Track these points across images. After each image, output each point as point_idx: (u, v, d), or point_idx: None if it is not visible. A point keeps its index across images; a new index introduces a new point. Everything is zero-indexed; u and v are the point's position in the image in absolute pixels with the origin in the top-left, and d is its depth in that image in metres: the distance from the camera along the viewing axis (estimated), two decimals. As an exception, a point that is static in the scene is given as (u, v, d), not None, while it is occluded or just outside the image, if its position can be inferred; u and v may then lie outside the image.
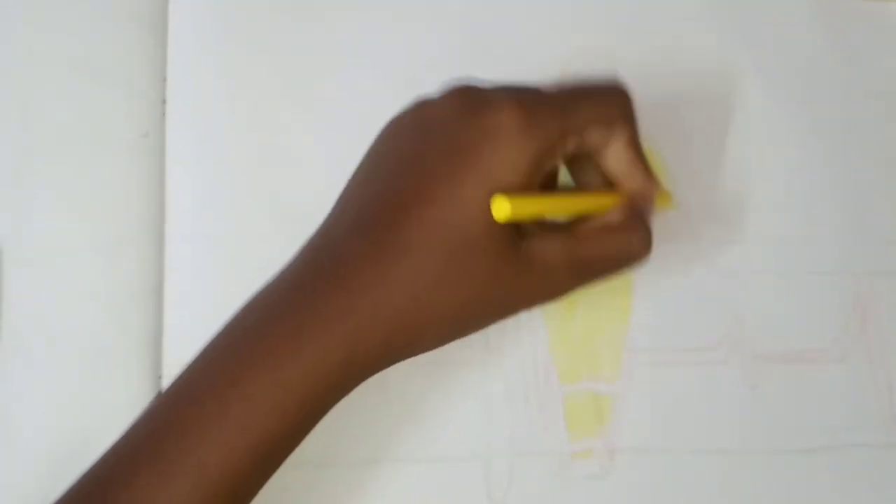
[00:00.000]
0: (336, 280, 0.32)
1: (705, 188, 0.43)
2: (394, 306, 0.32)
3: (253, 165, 0.39)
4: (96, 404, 0.36)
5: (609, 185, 0.37)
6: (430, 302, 0.32)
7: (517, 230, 0.33)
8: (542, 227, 0.34)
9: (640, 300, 0.42)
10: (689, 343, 0.42)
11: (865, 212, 0.44)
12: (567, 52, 0.42)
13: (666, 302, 0.42)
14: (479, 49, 0.42)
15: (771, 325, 0.43)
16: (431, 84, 0.41)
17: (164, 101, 0.39)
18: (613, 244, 0.35)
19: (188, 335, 0.38)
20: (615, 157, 0.35)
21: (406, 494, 0.39)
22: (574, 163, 0.38)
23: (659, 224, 0.42)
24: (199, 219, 0.38)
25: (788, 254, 0.43)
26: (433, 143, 0.33)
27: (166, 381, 0.37)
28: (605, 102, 0.35)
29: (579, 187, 0.38)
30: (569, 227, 0.35)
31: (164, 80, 0.39)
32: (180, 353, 0.37)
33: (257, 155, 0.39)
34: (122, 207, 0.38)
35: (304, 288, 0.32)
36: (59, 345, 0.36)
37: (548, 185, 0.37)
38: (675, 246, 0.42)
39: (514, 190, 0.32)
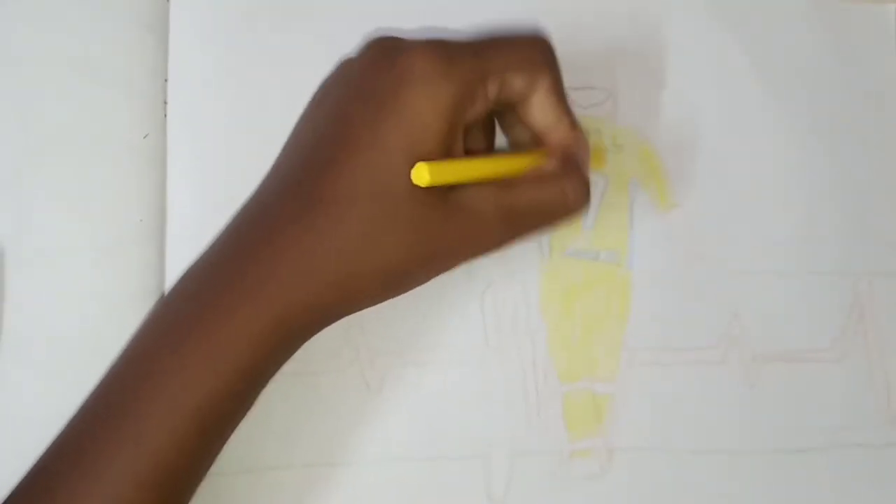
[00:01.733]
0: (262, 240, 0.32)
1: (704, 188, 0.43)
2: (321, 260, 0.31)
3: (253, 166, 0.39)
4: (97, 404, 0.36)
5: (537, 143, 0.36)
6: (358, 253, 0.31)
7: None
8: None
9: (639, 300, 0.42)
10: (688, 342, 0.42)
11: (864, 212, 0.44)
12: (566, 52, 0.42)
13: (664, 301, 0.42)
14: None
15: (769, 324, 0.43)
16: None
17: (165, 102, 0.39)
18: (547, 193, 0.34)
19: (189, 335, 0.38)
20: (539, 107, 0.35)
21: (406, 493, 0.39)
22: (503, 118, 0.37)
23: (658, 223, 0.42)
24: (199, 219, 0.38)
25: (787, 254, 0.43)
26: (352, 94, 0.33)
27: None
28: (526, 48, 0.34)
29: (510, 147, 0.38)
30: (502, 180, 0.34)
31: (166, 80, 0.39)
32: (181, 353, 0.38)
33: (258, 156, 0.39)
34: (123, 208, 0.38)
35: (233, 251, 0.33)
36: (60, 345, 0.37)
37: (481, 141, 0.37)
38: (674, 245, 0.43)
39: (436, 134, 0.31)
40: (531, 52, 0.34)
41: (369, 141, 0.31)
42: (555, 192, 0.34)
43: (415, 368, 0.40)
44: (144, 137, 0.38)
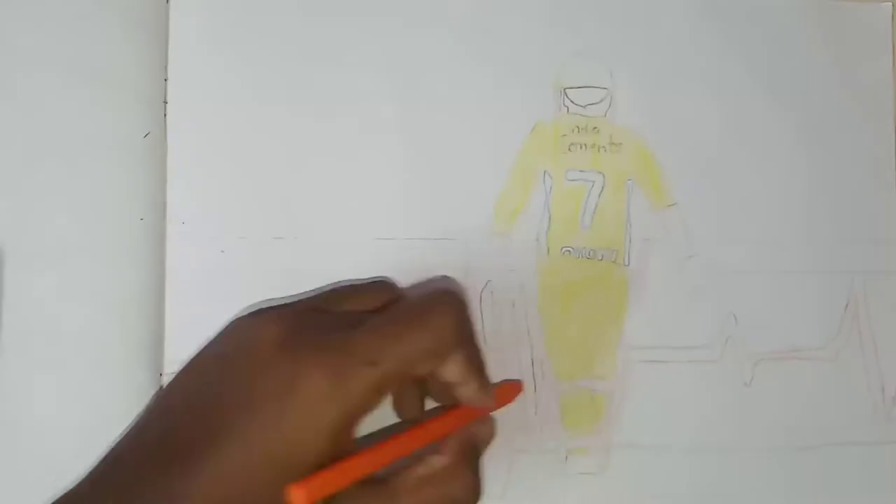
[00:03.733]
0: None
1: (701, 187, 0.43)
2: None
3: (253, 165, 0.39)
4: (97, 404, 0.37)
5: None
6: None
7: None
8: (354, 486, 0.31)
9: (636, 298, 0.42)
10: (684, 341, 0.43)
11: (858, 212, 0.45)
12: (565, 53, 0.43)
13: (661, 300, 0.43)
14: (478, 47, 0.42)
15: (765, 323, 0.43)
16: (432, 84, 0.41)
17: (165, 102, 0.39)
18: (434, 497, 0.32)
19: (189, 334, 0.38)
20: (448, 374, 0.33)
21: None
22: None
23: (655, 222, 0.43)
24: (199, 219, 0.39)
25: (782, 253, 0.44)
26: (233, 387, 0.30)
27: (167, 380, 0.38)
28: (432, 334, 0.32)
29: (399, 421, 0.36)
30: (386, 482, 0.32)
31: (165, 80, 0.39)
32: (181, 352, 0.38)
33: (257, 155, 0.40)
34: (124, 207, 0.38)
35: None
36: (61, 345, 0.37)
37: (411, 406, 0.35)
38: (671, 245, 0.43)
39: (315, 451, 0.29)
40: (440, 334, 0.32)
41: (240, 446, 0.29)
42: (443, 494, 0.32)
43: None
44: (145, 137, 0.38)
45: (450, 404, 0.35)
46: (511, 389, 0.38)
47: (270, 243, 0.39)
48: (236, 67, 0.40)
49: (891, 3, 0.46)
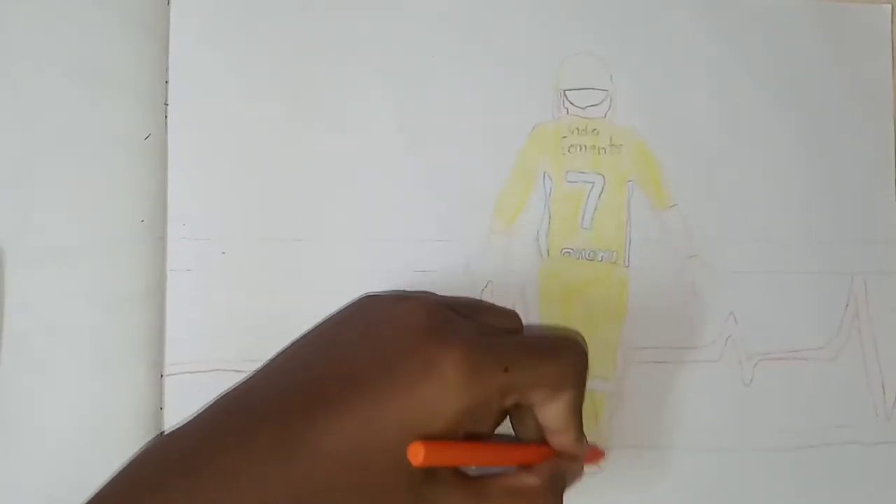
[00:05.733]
0: (224, 466, 0.32)
1: (700, 188, 0.43)
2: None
3: (254, 166, 0.40)
4: (98, 404, 0.37)
5: (540, 437, 0.37)
6: None
7: (424, 471, 0.32)
8: (453, 474, 0.33)
9: (636, 299, 0.42)
10: (684, 341, 0.43)
11: (858, 212, 0.45)
12: (565, 52, 0.43)
13: (661, 300, 0.43)
14: (478, 48, 0.42)
15: (764, 323, 0.43)
16: (432, 84, 0.41)
17: (165, 104, 0.39)
18: None
19: (189, 335, 0.38)
20: (552, 414, 0.35)
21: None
22: (513, 411, 0.37)
23: (655, 222, 0.43)
24: (200, 219, 0.39)
25: (782, 253, 0.44)
26: (375, 353, 0.33)
27: (168, 381, 0.38)
28: (558, 366, 0.35)
29: (513, 436, 0.38)
30: (479, 482, 0.34)
31: (166, 82, 0.39)
32: (181, 352, 0.38)
33: (258, 156, 0.40)
34: (124, 208, 0.38)
35: (198, 454, 0.33)
36: (62, 345, 0.37)
37: (484, 425, 0.37)
38: (670, 245, 0.43)
39: (434, 433, 0.32)
40: (564, 369, 0.35)
41: (365, 416, 0.32)
42: None
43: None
44: (145, 138, 0.38)
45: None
46: (592, 453, 0.40)
47: (271, 244, 0.39)
48: (237, 68, 0.40)
49: (890, 5, 0.46)
